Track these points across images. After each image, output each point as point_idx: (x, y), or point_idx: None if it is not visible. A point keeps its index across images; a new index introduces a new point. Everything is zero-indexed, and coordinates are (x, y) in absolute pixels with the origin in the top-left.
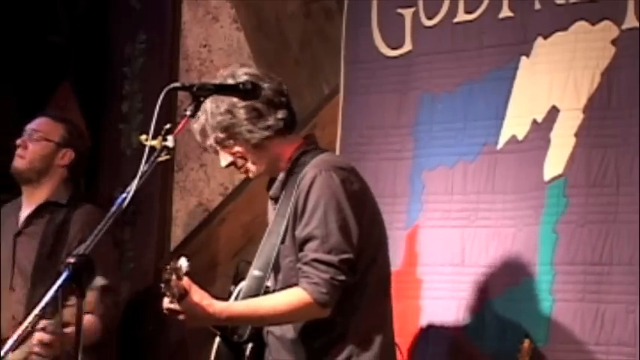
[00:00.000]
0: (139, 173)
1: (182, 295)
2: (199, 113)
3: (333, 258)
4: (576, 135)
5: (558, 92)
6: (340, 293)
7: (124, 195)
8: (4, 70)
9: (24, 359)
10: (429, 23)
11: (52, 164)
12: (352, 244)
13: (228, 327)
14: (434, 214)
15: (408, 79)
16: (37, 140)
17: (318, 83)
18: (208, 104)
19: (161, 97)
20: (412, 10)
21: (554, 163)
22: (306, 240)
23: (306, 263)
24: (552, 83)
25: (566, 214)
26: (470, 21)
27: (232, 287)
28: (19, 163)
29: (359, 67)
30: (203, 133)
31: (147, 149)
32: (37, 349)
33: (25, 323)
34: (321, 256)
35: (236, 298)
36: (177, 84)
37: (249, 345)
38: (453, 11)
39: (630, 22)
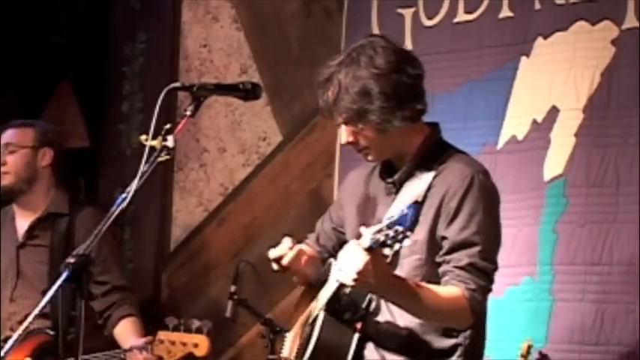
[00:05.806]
0: (139, 173)
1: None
2: (330, 85)
3: (489, 266)
4: (576, 135)
5: (558, 92)
6: None
7: (124, 195)
8: (4, 70)
9: None
10: (429, 23)
11: (36, 168)
12: (496, 256)
13: (340, 304)
14: None
15: None
16: (12, 152)
17: None
18: (343, 78)
19: (161, 97)
20: (412, 10)
21: (554, 163)
22: (463, 245)
23: (461, 267)
24: (552, 83)
25: (566, 214)
26: (470, 21)
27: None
28: (6, 180)
29: None
30: (334, 106)
31: (147, 149)
32: None
33: (25, 323)
34: (478, 262)
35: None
36: (177, 84)
37: (359, 323)
38: (453, 11)
39: (630, 22)
